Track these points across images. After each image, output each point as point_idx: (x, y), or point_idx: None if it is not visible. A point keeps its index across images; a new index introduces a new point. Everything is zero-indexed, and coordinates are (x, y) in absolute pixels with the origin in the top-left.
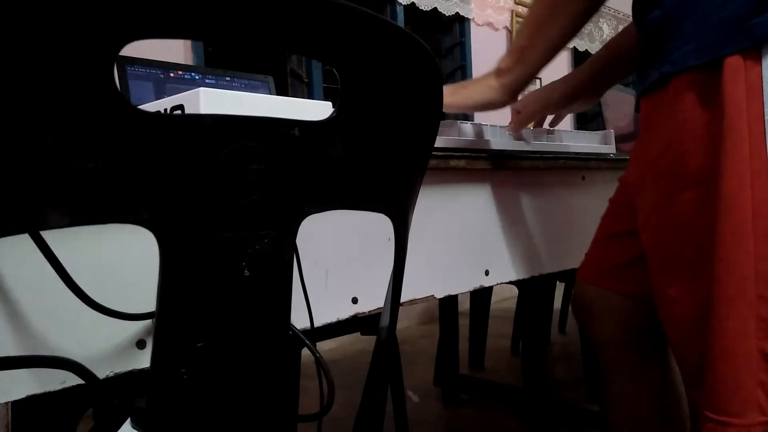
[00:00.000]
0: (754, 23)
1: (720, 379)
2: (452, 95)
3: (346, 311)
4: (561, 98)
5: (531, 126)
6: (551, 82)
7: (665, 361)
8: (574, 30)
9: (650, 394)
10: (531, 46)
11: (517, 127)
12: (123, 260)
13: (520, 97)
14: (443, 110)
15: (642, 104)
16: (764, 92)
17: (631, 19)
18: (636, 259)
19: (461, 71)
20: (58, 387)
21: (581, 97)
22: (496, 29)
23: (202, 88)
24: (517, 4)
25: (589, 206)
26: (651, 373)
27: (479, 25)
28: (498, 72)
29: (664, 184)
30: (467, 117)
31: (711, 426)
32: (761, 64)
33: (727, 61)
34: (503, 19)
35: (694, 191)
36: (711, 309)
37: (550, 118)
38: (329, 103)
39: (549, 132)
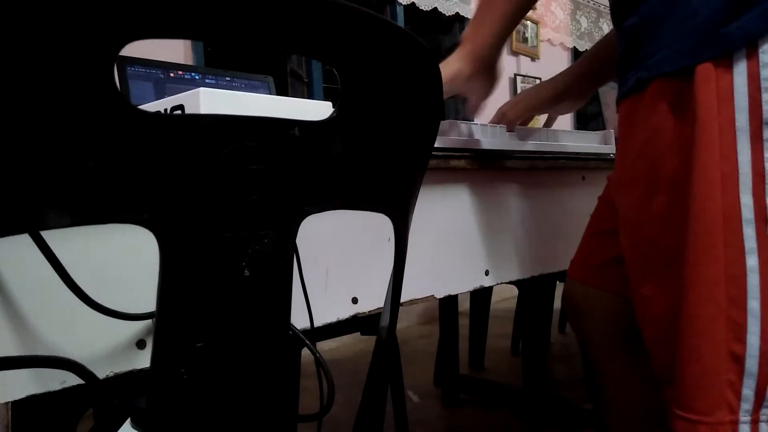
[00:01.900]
0: (725, 31)
1: (689, 377)
2: None
3: (346, 311)
4: (549, 98)
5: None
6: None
7: None
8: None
9: (641, 391)
10: (485, 16)
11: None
12: (123, 260)
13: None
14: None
15: (620, 108)
16: (735, 99)
17: None
18: (622, 257)
19: None
20: (58, 387)
21: (570, 97)
22: None
23: (202, 88)
24: None
25: (588, 206)
26: (641, 370)
27: None
28: (461, 43)
29: (639, 187)
30: (467, 117)
31: (680, 423)
32: (732, 72)
33: (699, 68)
34: None
35: (667, 194)
36: (681, 309)
37: (540, 118)
38: (329, 103)
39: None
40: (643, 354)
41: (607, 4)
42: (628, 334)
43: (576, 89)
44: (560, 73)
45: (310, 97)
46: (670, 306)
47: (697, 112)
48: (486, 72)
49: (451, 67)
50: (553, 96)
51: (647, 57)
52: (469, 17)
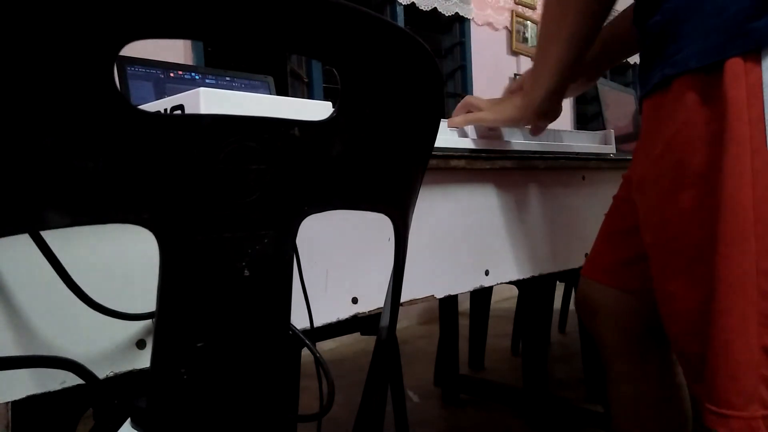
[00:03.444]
0: (754, 26)
1: (721, 372)
2: (488, 110)
3: (346, 311)
4: None
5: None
6: None
7: (668, 358)
8: (579, 47)
9: (653, 391)
10: (541, 68)
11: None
12: (123, 260)
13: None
14: (477, 123)
15: (644, 106)
16: (764, 94)
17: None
18: (639, 256)
19: (461, 71)
20: (58, 387)
21: (580, 78)
22: (496, 29)
23: (202, 88)
24: (517, 4)
25: (589, 206)
26: (654, 370)
27: (479, 25)
28: (523, 92)
29: (665, 183)
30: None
31: (713, 418)
32: (761, 67)
33: (728, 63)
34: (503, 19)
35: (695, 190)
36: (712, 304)
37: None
38: (329, 103)
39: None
40: (658, 354)
41: None
42: (643, 333)
43: (584, 72)
44: None
45: (310, 97)
46: (699, 301)
47: (726, 107)
48: (548, 116)
49: (511, 112)
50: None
51: (673, 54)
52: (468, 17)
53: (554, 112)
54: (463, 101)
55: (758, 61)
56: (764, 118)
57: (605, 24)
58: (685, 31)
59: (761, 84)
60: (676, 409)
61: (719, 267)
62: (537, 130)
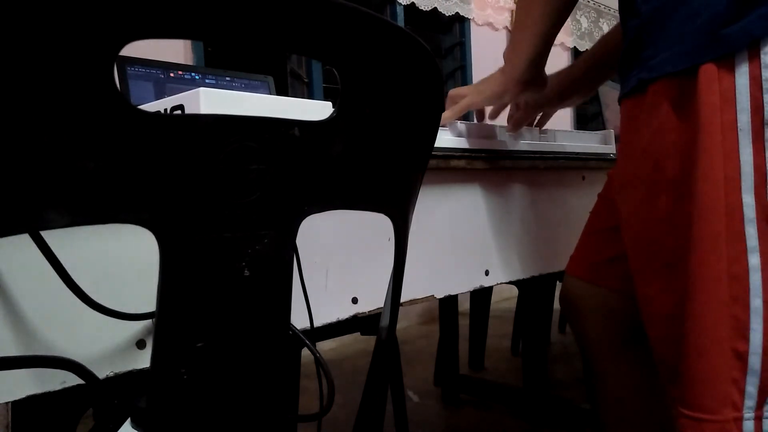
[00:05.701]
0: (727, 32)
1: (695, 376)
2: (469, 95)
3: (346, 311)
4: (555, 95)
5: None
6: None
7: (651, 356)
8: (557, 10)
9: (640, 389)
10: (520, 35)
11: (515, 127)
12: (123, 260)
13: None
14: (466, 111)
15: (622, 107)
16: (737, 100)
17: None
18: (621, 256)
19: (461, 71)
20: (58, 387)
21: (575, 94)
22: (496, 29)
23: (202, 88)
24: None
25: (588, 206)
26: (640, 368)
27: (479, 25)
28: (504, 63)
29: (642, 188)
30: (467, 117)
31: (686, 422)
32: (734, 73)
33: (702, 69)
34: (503, 19)
35: (669, 195)
36: (686, 309)
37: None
38: (329, 103)
39: (542, 132)
40: (642, 352)
41: (607, 4)
42: (627, 331)
43: (582, 84)
44: (565, 69)
45: (310, 97)
46: (675, 305)
47: (700, 113)
48: (531, 86)
49: (492, 87)
50: (560, 93)
51: (649, 58)
52: (468, 17)
53: (537, 82)
54: (448, 96)
55: (731, 67)
56: (737, 125)
57: (602, 38)
58: (660, 35)
59: (734, 90)
60: (662, 405)
61: (693, 272)
62: (525, 114)
